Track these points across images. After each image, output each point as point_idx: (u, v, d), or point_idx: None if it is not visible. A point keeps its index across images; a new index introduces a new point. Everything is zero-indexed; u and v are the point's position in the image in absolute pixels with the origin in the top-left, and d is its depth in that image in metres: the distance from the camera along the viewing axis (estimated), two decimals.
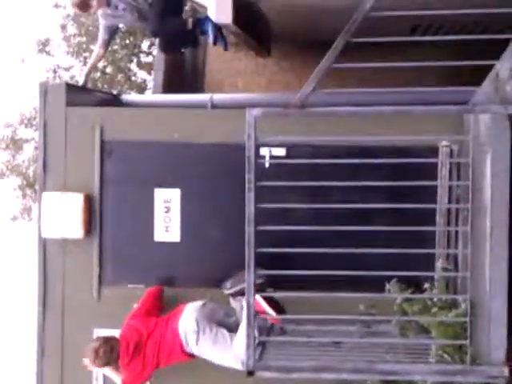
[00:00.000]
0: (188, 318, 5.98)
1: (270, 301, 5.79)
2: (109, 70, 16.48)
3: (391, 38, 4.97)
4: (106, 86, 16.13)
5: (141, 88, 16.78)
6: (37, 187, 16.61)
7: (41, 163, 6.53)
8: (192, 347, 5.97)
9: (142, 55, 16.71)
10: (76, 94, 6.78)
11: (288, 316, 5.58)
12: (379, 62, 5.43)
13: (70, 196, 6.39)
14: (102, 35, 7.44)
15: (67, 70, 16.96)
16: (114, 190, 6.49)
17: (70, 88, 6.72)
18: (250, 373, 5.14)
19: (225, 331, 5.97)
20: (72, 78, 16.93)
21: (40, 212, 6.48)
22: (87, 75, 7.70)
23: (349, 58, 5.17)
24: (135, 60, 16.64)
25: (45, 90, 6.56)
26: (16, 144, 17.07)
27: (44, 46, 16.59)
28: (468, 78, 5.48)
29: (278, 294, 5.55)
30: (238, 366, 5.80)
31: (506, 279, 4.93)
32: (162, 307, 6.33)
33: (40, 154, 6.57)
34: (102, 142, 6.47)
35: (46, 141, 6.51)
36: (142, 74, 16.91)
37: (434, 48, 7.52)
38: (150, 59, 16.56)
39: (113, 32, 7.59)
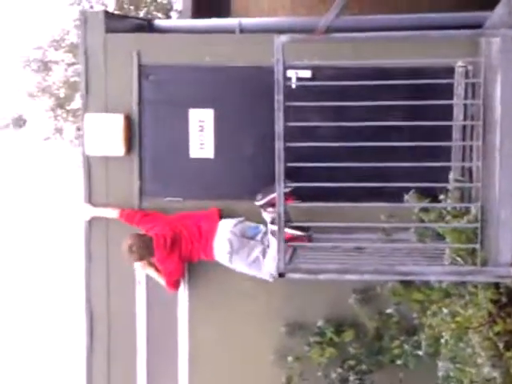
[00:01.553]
0: (222, 240, 6.53)
1: (300, 229, 6.20)
2: None
3: None
4: (131, 8, 16.38)
5: (166, 9, 16.99)
6: (67, 108, 17.09)
7: (83, 87, 6.93)
8: (224, 262, 6.56)
9: None
10: (113, 20, 7.13)
11: (315, 223, 5.96)
12: None
13: (111, 116, 6.81)
14: None
15: None
16: (151, 111, 6.90)
17: (108, 15, 7.08)
18: (281, 275, 5.63)
19: (257, 248, 6.51)
20: (98, 1, 17.20)
21: (83, 132, 6.91)
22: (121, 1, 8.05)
23: None
24: None
25: (85, 18, 6.95)
26: (46, 66, 17.44)
27: None
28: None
29: (305, 205, 5.95)
30: (268, 279, 6.47)
31: None
32: None
33: (82, 78, 6.96)
34: (140, 66, 6.85)
35: (88, 66, 6.91)
36: None
37: None
38: None
39: None
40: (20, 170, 18.11)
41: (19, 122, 17.75)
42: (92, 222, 7.03)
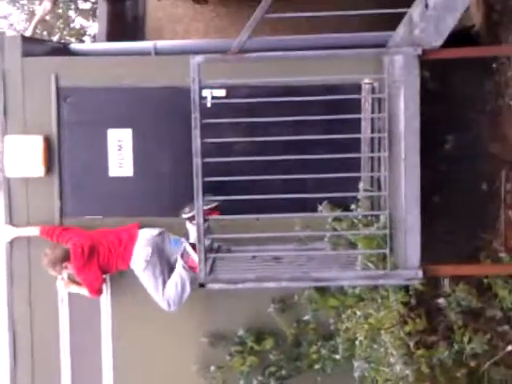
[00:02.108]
0: (143, 246, 6.68)
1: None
2: (48, 17, 16.65)
3: None
4: (45, 33, 16.36)
5: (80, 34, 17.02)
6: None
7: (2, 110, 7.03)
8: (137, 270, 6.71)
9: (79, 2, 16.92)
10: (30, 44, 7.26)
11: (234, 235, 6.09)
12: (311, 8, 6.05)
13: (30, 138, 6.92)
14: None
15: (5, 18, 17.20)
16: (70, 132, 7.04)
17: (25, 39, 7.22)
18: (202, 285, 5.81)
19: (162, 279, 6.65)
20: (10, 25, 17.17)
21: (3, 154, 6.99)
22: (35, 28, 8.19)
23: (282, 5, 5.75)
24: (73, 7, 16.84)
25: (1, 42, 7.06)
26: None
27: None
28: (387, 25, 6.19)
29: (223, 217, 6.18)
30: (164, 306, 6.63)
31: (419, 196, 5.55)
32: None
33: (0, 101, 7.06)
34: (58, 89, 7.00)
35: (6, 89, 7.02)
36: (80, 21, 17.16)
37: None
38: (87, 6, 16.82)
39: None
40: None
41: None
42: (13, 243, 7.10)
